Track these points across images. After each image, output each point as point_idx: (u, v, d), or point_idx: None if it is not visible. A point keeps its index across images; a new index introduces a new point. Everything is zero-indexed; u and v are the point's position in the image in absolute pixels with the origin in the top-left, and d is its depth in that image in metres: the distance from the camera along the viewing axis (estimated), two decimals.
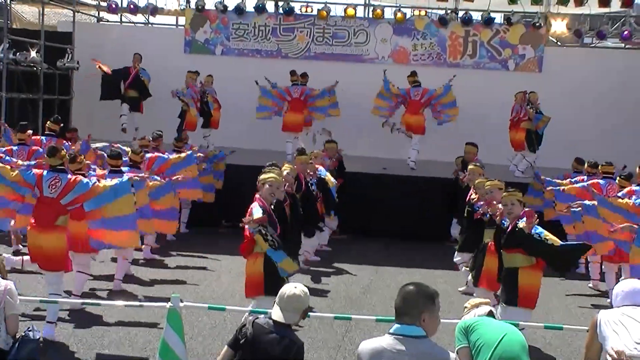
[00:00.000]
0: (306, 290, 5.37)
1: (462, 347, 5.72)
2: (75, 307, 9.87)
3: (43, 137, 14.13)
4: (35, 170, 9.34)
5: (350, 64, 19.63)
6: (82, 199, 9.12)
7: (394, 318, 4.61)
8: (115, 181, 9.46)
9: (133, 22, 22.54)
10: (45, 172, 9.20)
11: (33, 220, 9.17)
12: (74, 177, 9.20)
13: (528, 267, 8.59)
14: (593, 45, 21.29)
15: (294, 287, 5.34)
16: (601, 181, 12.68)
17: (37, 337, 6.62)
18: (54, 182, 9.05)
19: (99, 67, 18.11)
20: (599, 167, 13.22)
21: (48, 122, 14.48)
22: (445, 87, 16.76)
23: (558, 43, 21.41)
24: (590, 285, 12.91)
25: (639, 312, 5.68)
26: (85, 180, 9.24)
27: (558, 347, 9.48)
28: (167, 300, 7.27)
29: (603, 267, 12.32)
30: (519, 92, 16.69)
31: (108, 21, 22.20)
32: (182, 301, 7.24)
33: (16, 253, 11.82)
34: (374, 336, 4.66)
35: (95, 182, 9.29)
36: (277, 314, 5.27)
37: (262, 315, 5.43)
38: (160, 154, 13.65)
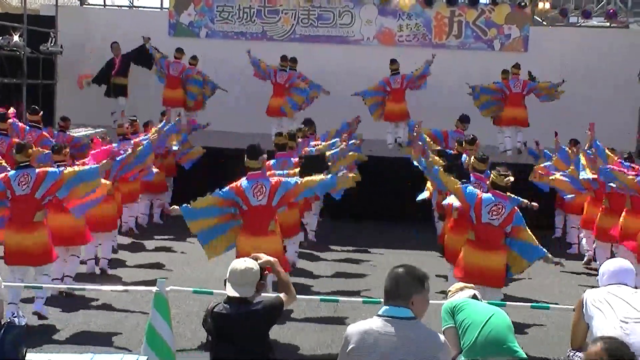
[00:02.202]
0: (256, 263, 5.30)
1: (449, 327, 5.75)
2: (61, 291, 9.86)
3: (27, 127, 13.89)
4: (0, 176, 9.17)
5: (336, 46, 19.54)
6: (54, 188, 9.07)
7: (380, 300, 4.59)
8: (84, 167, 9.37)
9: (116, 5, 22.35)
10: (10, 173, 9.09)
11: (10, 220, 9.08)
12: (42, 169, 9.18)
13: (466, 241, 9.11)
14: (578, 24, 21.25)
15: (243, 261, 5.28)
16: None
17: (23, 323, 6.56)
18: (23, 179, 8.96)
19: (83, 81, 18.29)
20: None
21: (28, 114, 14.30)
22: (425, 68, 16.69)
23: (544, 22, 21.36)
24: (585, 259, 13.03)
25: (625, 291, 5.70)
26: (53, 169, 9.21)
27: (545, 326, 9.52)
28: (153, 284, 7.25)
29: (594, 244, 12.38)
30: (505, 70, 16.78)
31: (91, 4, 22.00)
32: (168, 285, 7.22)
33: None
34: (361, 318, 4.65)
35: (62, 170, 9.21)
36: (230, 290, 5.20)
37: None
38: (142, 136, 13.54)
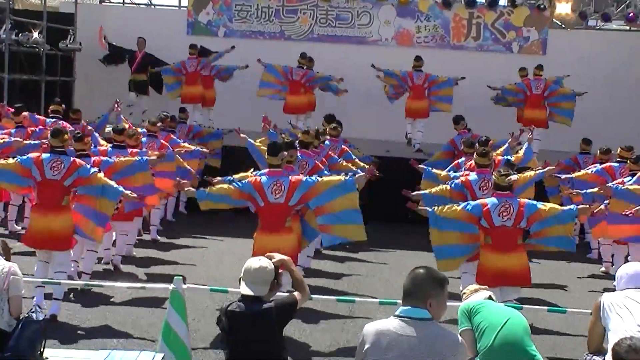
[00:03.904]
0: (271, 262, 5.30)
1: (466, 329, 5.74)
2: (78, 288, 9.91)
3: (48, 119, 14.08)
4: (32, 155, 9.32)
5: (354, 46, 19.55)
6: (78, 182, 9.18)
7: (396, 301, 4.59)
8: (112, 183, 9.41)
9: (135, 3, 22.43)
10: (44, 155, 9.21)
11: (36, 203, 9.22)
12: (77, 160, 9.26)
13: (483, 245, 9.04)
14: (598, 27, 21.15)
15: (258, 260, 5.29)
16: (615, 164, 12.65)
17: (40, 318, 6.62)
18: (56, 165, 9.06)
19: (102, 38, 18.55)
20: (618, 151, 12.98)
21: (51, 106, 14.51)
22: (449, 80, 16.69)
23: (562, 25, 21.28)
24: (603, 269, 12.85)
25: None
26: (88, 166, 9.29)
27: (562, 330, 9.48)
28: (169, 281, 7.28)
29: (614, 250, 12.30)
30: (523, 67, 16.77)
31: (110, 2, 22.08)
32: (184, 283, 7.24)
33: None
34: (377, 318, 4.64)
35: (95, 172, 9.29)
36: (244, 289, 5.21)
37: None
38: (174, 138, 13.59)
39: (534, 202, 9.06)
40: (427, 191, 10.69)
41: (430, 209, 9.24)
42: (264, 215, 9.02)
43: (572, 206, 9.19)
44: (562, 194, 12.85)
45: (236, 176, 9.70)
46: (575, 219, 9.17)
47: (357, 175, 9.42)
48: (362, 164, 12.26)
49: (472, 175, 10.45)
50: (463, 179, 10.48)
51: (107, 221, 9.69)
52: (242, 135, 11.82)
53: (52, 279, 8.88)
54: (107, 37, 19.00)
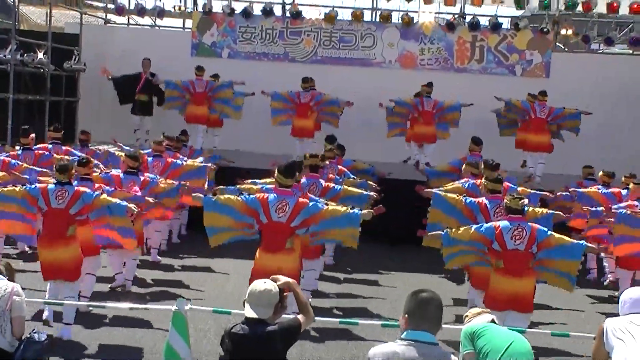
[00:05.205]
0: (276, 285, 5.26)
1: (468, 352, 5.72)
2: (81, 309, 9.89)
3: (49, 145, 14.05)
4: (39, 185, 9.55)
5: (357, 68, 19.62)
6: (86, 209, 9.32)
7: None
8: (114, 200, 9.51)
9: (140, 25, 22.53)
10: (50, 186, 9.39)
11: (43, 234, 9.38)
12: (80, 189, 9.39)
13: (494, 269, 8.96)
14: (600, 51, 21.23)
15: (263, 283, 5.25)
16: (623, 191, 12.69)
17: (42, 339, 6.61)
18: (60, 194, 9.24)
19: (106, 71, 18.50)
20: (623, 179, 13.11)
21: (50, 132, 14.51)
22: (456, 104, 16.72)
23: (565, 49, 21.35)
24: (610, 278, 12.92)
25: None
26: (90, 192, 9.42)
27: (565, 354, 9.44)
28: (172, 302, 7.27)
29: (618, 273, 12.26)
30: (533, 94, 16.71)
31: (115, 23, 22.19)
32: (188, 302, 7.24)
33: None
34: (380, 341, 4.65)
35: (98, 195, 9.42)
36: (249, 311, 5.18)
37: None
38: (175, 160, 13.51)
39: (546, 229, 9.00)
40: (441, 192, 10.87)
41: (443, 232, 9.22)
42: (266, 233, 9.06)
43: (581, 242, 9.11)
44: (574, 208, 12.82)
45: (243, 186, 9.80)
46: (582, 257, 9.10)
47: (364, 211, 9.41)
48: (359, 191, 11.96)
49: (486, 202, 10.35)
50: (479, 200, 10.40)
51: (132, 233, 9.76)
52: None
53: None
54: (111, 73, 18.88)
